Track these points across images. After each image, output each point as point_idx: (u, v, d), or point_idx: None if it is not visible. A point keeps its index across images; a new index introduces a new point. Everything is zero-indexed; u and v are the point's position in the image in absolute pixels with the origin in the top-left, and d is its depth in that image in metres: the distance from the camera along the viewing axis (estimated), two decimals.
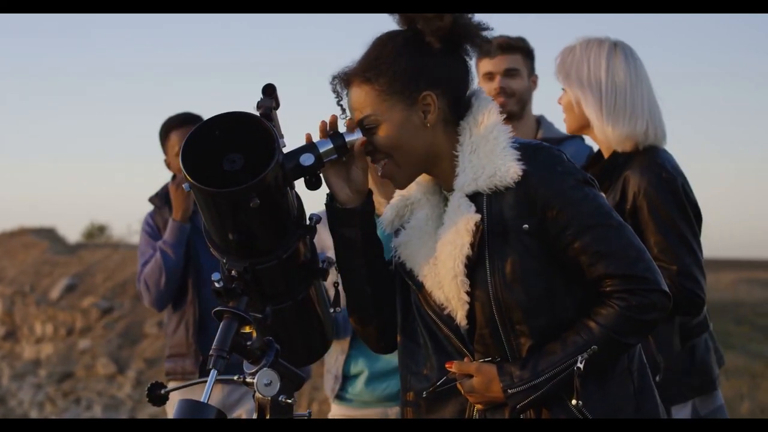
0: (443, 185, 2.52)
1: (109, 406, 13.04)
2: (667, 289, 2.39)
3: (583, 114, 3.52)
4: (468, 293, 2.39)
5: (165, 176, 5.16)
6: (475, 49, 2.46)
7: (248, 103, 2.37)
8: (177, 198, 4.72)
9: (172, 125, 4.82)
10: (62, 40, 27.66)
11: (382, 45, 2.45)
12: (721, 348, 3.81)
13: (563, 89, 3.59)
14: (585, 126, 3.56)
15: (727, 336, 11.19)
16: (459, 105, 2.46)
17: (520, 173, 2.35)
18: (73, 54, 28.45)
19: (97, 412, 12.90)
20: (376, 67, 2.42)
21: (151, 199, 4.92)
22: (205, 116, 2.42)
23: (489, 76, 4.44)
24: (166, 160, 4.89)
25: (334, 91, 2.48)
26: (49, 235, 19.95)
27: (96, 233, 22.44)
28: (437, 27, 2.40)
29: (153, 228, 4.85)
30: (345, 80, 2.47)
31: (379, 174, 2.48)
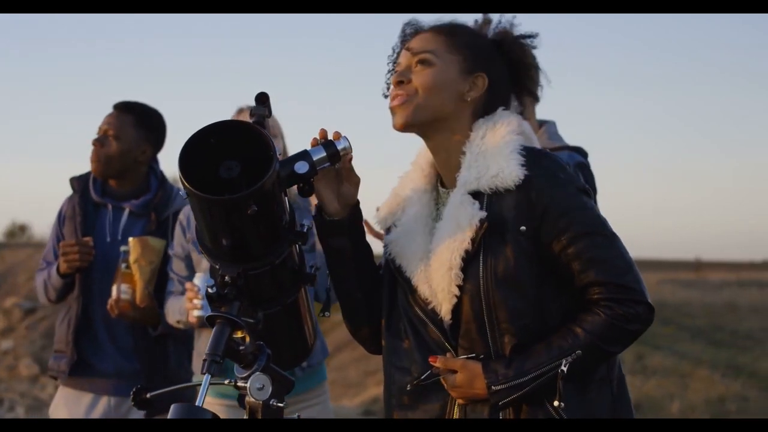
0: (443, 176, 2.61)
1: (32, 408, 12.85)
2: (651, 303, 2.47)
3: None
4: (459, 287, 2.46)
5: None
6: (522, 94, 2.67)
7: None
8: (63, 250, 4.23)
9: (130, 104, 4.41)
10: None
11: (464, 24, 2.63)
12: None
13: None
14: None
15: (654, 337, 11.43)
16: (490, 107, 2.58)
17: (522, 177, 2.42)
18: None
19: (19, 414, 12.69)
20: (456, 32, 2.58)
21: (71, 181, 4.50)
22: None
23: None
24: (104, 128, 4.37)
25: (403, 33, 2.62)
26: None
27: (17, 233, 22.06)
28: (518, 57, 2.61)
29: (60, 218, 4.46)
30: (421, 28, 2.61)
31: (393, 99, 2.55)
